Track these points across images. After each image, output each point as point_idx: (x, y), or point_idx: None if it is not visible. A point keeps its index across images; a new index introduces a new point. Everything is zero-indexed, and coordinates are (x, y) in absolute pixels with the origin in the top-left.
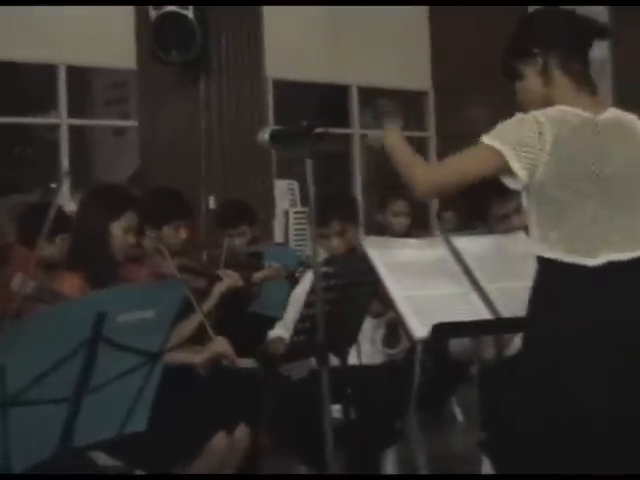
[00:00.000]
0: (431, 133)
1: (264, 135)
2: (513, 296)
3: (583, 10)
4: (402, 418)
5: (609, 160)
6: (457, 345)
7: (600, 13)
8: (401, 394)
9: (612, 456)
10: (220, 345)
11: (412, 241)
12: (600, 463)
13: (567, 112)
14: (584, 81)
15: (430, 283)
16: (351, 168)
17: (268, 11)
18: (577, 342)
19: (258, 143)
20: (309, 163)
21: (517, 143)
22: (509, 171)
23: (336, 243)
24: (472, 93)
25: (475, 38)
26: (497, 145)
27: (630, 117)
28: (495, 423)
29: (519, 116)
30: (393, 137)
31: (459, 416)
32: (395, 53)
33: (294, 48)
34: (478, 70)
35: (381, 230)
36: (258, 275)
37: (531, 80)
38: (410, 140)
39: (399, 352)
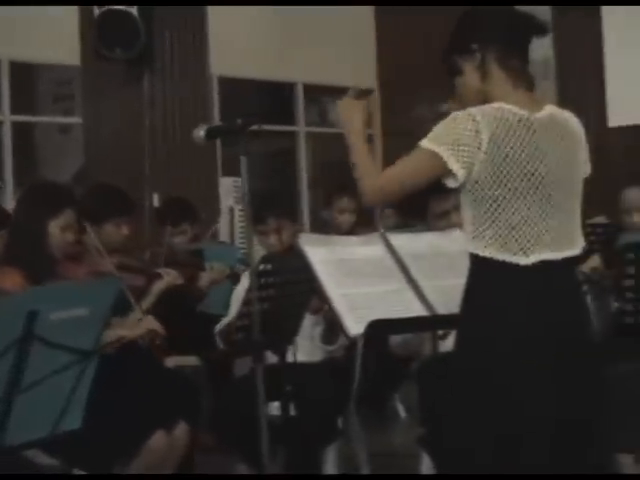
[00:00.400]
0: (376, 131)
1: (199, 132)
2: (449, 293)
3: (525, 9)
4: (343, 415)
5: (544, 159)
6: (397, 338)
7: (543, 12)
8: (341, 391)
9: (549, 455)
10: (150, 323)
11: (349, 238)
12: (536, 461)
13: (503, 110)
14: (522, 77)
15: (366, 280)
16: (297, 165)
17: (213, 10)
18: (507, 341)
19: (194, 140)
20: (244, 160)
21: (454, 143)
22: (449, 172)
23: (274, 240)
24: (417, 92)
25: (421, 37)
26: (435, 148)
27: (566, 115)
28: (433, 419)
29: (454, 115)
30: (355, 129)
31: (402, 413)
32: (341, 51)
33: (240, 46)
34: (423, 69)
35: (326, 227)
36: (204, 280)
37: (469, 75)
38: None
39: (338, 349)
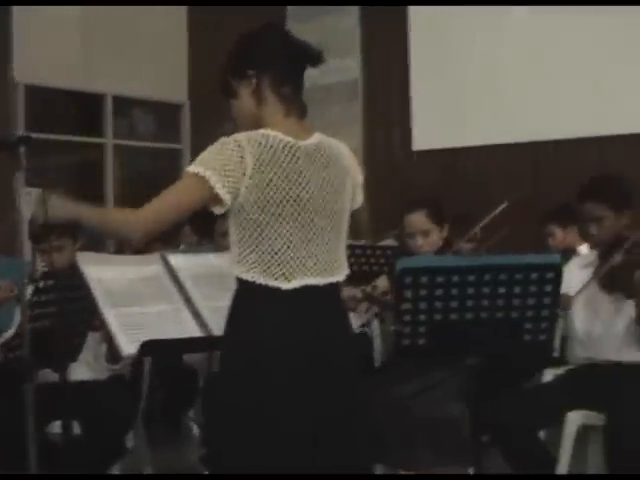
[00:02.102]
0: (186, 145)
1: None
2: (225, 314)
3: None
4: (131, 433)
5: (307, 185)
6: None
7: (352, 30)
8: (129, 408)
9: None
10: None
11: (127, 257)
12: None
13: (269, 136)
14: (294, 105)
15: (142, 300)
16: (104, 177)
17: (18, 13)
18: (268, 363)
19: None
20: (20, 176)
21: (221, 168)
22: (215, 197)
23: (55, 258)
24: (228, 106)
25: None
26: (201, 171)
27: (333, 143)
28: (210, 437)
29: (222, 140)
30: (65, 208)
31: (196, 431)
32: (152, 65)
33: (48, 55)
34: None
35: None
36: None
37: (244, 100)
38: (164, 152)
39: (123, 367)
